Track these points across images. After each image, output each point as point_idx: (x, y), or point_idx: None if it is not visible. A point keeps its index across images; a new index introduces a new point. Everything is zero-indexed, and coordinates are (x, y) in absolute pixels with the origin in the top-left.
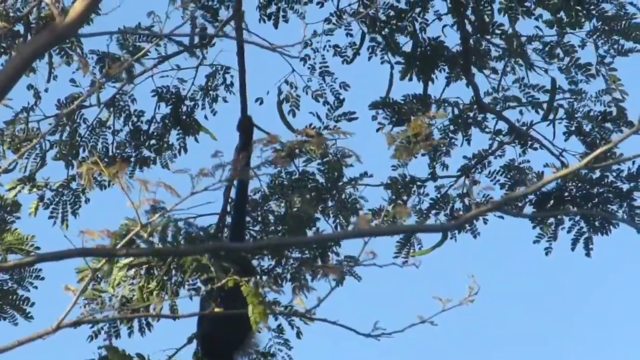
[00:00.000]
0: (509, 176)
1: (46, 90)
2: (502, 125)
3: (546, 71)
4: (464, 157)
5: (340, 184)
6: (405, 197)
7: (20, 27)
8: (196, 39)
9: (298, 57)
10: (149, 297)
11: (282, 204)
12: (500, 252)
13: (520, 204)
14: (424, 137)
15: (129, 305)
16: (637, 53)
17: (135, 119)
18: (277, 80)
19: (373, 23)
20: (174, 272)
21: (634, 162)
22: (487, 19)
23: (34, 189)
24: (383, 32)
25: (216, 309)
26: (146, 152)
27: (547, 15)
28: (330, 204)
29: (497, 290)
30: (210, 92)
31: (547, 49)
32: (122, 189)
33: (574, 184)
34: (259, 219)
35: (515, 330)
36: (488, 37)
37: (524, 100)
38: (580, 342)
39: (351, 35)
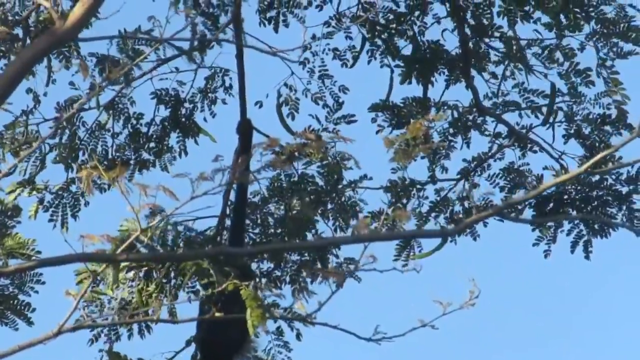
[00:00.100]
0: (508, 179)
1: (45, 94)
2: (502, 128)
3: (545, 76)
4: (464, 160)
5: (340, 187)
6: (405, 200)
7: (19, 31)
8: (196, 44)
9: (298, 61)
10: (148, 300)
11: (282, 207)
12: (499, 254)
13: (520, 207)
14: (422, 140)
15: (128, 307)
16: (637, 56)
17: (134, 122)
18: (277, 83)
19: (372, 27)
20: (173, 274)
21: (633, 165)
22: (486, 22)
23: (34, 192)
24: (383, 36)
25: (216, 314)
26: (146, 155)
27: (546, 19)
28: (329, 206)
29: (496, 293)
30: (210, 95)
31: (546, 52)
32: (122, 193)
33: (573, 187)
34: (259, 221)
35: (515, 333)
36: (487, 40)
37: (523, 105)
38: (580, 345)
39: (351, 39)
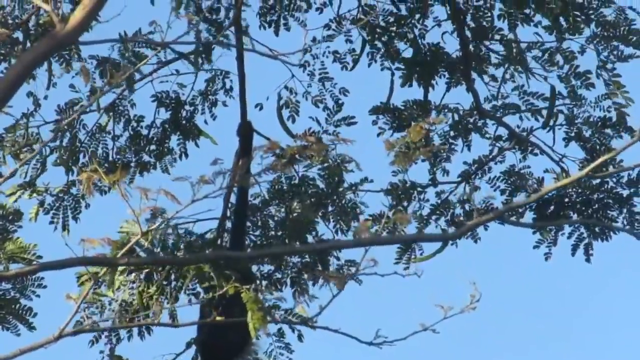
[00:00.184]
0: (509, 182)
1: (45, 97)
2: (503, 131)
3: (545, 78)
4: (465, 162)
5: (341, 189)
6: (405, 203)
7: (19, 34)
8: (200, 48)
9: (298, 64)
10: (148, 302)
11: (282, 210)
12: (500, 257)
13: (520, 210)
14: (423, 143)
15: (129, 309)
16: (637, 59)
17: (135, 124)
18: (277, 86)
19: (373, 30)
20: (173, 277)
21: (633, 169)
22: (486, 25)
23: (34, 195)
24: (383, 39)
25: (217, 318)
26: (146, 157)
27: (546, 22)
28: (330, 209)
29: (497, 296)
30: (210, 97)
31: (546, 55)
32: (122, 197)
33: (574, 189)
34: (259, 223)
35: (516, 336)
36: (487, 42)
37: (523, 108)
38: (581, 348)
39: (351, 42)
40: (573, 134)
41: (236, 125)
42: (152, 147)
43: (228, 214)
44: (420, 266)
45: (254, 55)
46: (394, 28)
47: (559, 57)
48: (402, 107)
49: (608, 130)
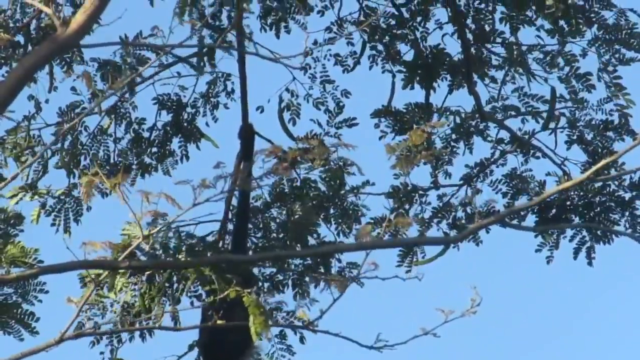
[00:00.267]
0: (511, 185)
1: (47, 101)
2: (504, 134)
3: (546, 80)
4: (466, 165)
5: (342, 192)
6: (407, 206)
7: (20, 38)
8: (204, 50)
9: (299, 67)
10: (150, 304)
11: (284, 212)
12: (502, 260)
13: (522, 213)
14: (425, 146)
15: (131, 310)
16: (639, 62)
17: (136, 127)
18: (278, 88)
19: (373, 31)
20: (175, 279)
21: (635, 172)
22: (487, 28)
23: (36, 197)
24: (384, 40)
25: (218, 321)
26: (148, 160)
27: (548, 26)
28: (332, 211)
29: (499, 300)
30: (212, 99)
31: (548, 58)
32: (123, 201)
33: (576, 193)
34: (261, 226)
35: (517, 340)
36: (489, 45)
37: (523, 109)
38: (582, 351)
39: (352, 45)
40: (575, 137)
41: (238, 127)
42: (154, 149)
43: (230, 216)
44: (421, 270)
45: (256, 57)
46: (395, 30)
47: (560, 60)
48: (404, 111)
49: (610, 133)
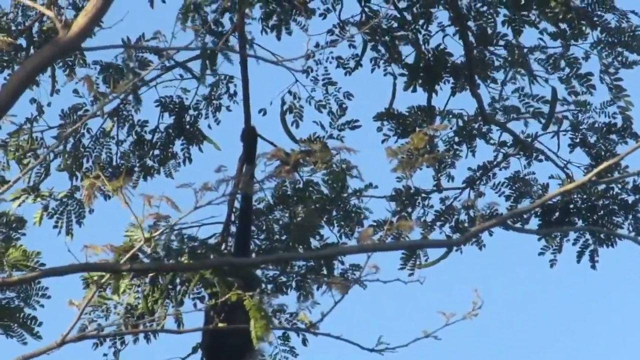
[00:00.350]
0: (514, 188)
1: (49, 104)
2: (507, 137)
3: (546, 80)
4: (469, 168)
5: (345, 195)
6: (410, 209)
7: (22, 41)
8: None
9: (301, 70)
10: (153, 306)
11: (287, 214)
12: (505, 263)
13: (525, 216)
14: (428, 149)
15: (134, 312)
16: None
17: (139, 129)
18: (281, 91)
19: (374, 31)
20: (178, 281)
21: (638, 174)
22: (489, 31)
23: (38, 199)
24: (384, 39)
25: (220, 324)
26: (150, 162)
27: (552, 29)
28: (334, 213)
29: (501, 303)
30: (214, 102)
31: (551, 60)
32: (124, 204)
33: (579, 196)
34: (264, 228)
35: (519, 343)
36: (491, 48)
37: (523, 110)
38: (584, 355)
39: (354, 47)
40: (578, 140)
41: (240, 130)
42: (156, 152)
43: (232, 218)
44: (423, 273)
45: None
46: (397, 31)
47: (563, 63)
48: (407, 114)
49: (613, 136)
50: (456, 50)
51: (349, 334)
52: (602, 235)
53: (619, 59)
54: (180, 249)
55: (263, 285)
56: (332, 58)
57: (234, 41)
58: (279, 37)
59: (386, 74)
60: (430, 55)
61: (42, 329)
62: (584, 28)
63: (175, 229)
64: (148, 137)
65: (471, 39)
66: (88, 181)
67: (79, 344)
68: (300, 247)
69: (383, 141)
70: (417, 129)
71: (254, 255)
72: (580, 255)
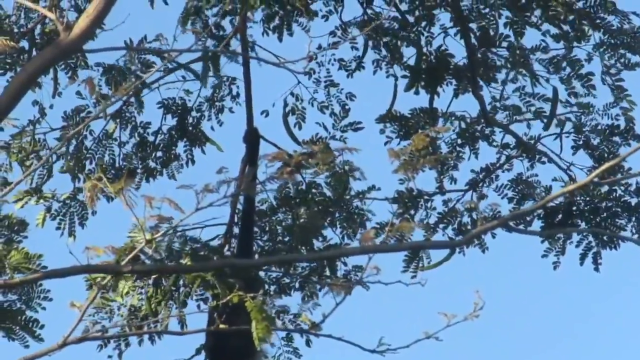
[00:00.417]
0: (517, 190)
1: (51, 107)
2: (510, 139)
3: (547, 80)
4: (472, 170)
5: (347, 197)
6: (412, 211)
7: (25, 43)
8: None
9: (303, 72)
10: (157, 308)
11: (290, 215)
12: (508, 265)
13: (528, 218)
14: (430, 151)
15: (138, 314)
16: None
17: (141, 131)
18: (283, 92)
19: (376, 32)
20: (181, 282)
21: None
22: (492, 32)
23: (41, 201)
24: (385, 40)
25: (222, 325)
26: (152, 164)
27: (554, 30)
28: (337, 215)
29: (504, 304)
30: (217, 103)
31: (554, 62)
32: (127, 206)
33: (582, 198)
34: (267, 229)
35: (521, 345)
36: (494, 49)
37: (524, 109)
38: (587, 356)
39: (357, 49)
40: (581, 142)
41: (243, 131)
42: (159, 153)
43: (235, 219)
44: (425, 275)
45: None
46: (399, 32)
47: (565, 65)
48: (409, 116)
49: (616, 138)
50: (458, 51)
51: (350, 335)
52: (605, 238)
53: (622, 60)
54: (182, 250)
55: (266, 287)
56: (334, 60)
57: (235, 44)
58: (280, 39)
59: (388, 75)
60: (432, 56)
61: (44, 332)
62: (586, 30)
63: (178, 230)
64: (151, 138)
65: (473, 41)
66: (90, 183)
67: (81, 345)
68: (303, 248)
69: (386, 143)
70: (420, 131)
71: (256, 256)
72: (583, 257)
